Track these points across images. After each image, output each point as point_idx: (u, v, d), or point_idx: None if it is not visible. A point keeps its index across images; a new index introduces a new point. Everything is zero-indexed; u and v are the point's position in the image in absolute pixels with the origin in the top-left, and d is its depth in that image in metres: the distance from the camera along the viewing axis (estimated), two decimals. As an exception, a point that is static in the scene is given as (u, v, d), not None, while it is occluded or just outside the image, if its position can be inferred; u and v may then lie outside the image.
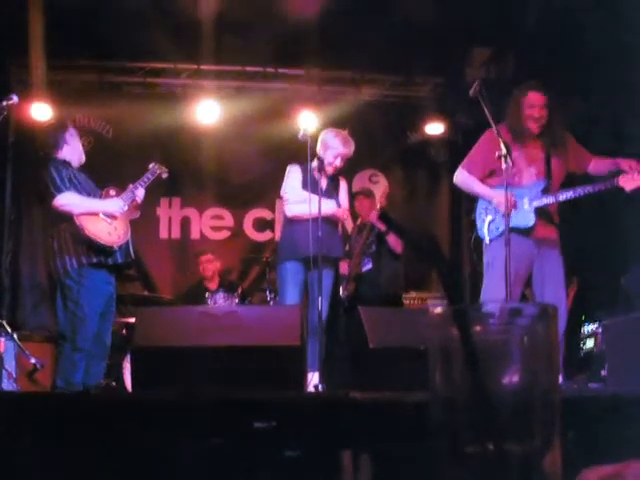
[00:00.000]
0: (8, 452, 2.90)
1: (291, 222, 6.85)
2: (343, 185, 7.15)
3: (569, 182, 6.09)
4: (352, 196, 9.14)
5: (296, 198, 6.80)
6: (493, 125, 5.69)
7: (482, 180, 6.11)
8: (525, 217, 5.80)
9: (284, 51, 9.42)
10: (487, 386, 0.95)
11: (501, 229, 5.84)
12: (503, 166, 5.57)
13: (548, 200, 5.81)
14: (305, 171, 6.84)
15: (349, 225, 9.47)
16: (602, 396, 4.30)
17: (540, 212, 5.85)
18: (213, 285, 9.56)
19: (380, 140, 10.59)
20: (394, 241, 8.32)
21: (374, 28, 8.65)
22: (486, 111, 5.77)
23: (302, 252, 6.52)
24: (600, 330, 7.16)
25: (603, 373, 6.38)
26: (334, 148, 6.86)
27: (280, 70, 10.23)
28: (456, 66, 9.67)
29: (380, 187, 10.18)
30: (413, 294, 9.08)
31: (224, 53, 9.47)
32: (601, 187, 5.67)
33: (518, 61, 9.34)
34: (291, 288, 6.72)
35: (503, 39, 9.11)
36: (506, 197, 5.61)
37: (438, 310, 1.02)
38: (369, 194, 9.02)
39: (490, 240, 5.89)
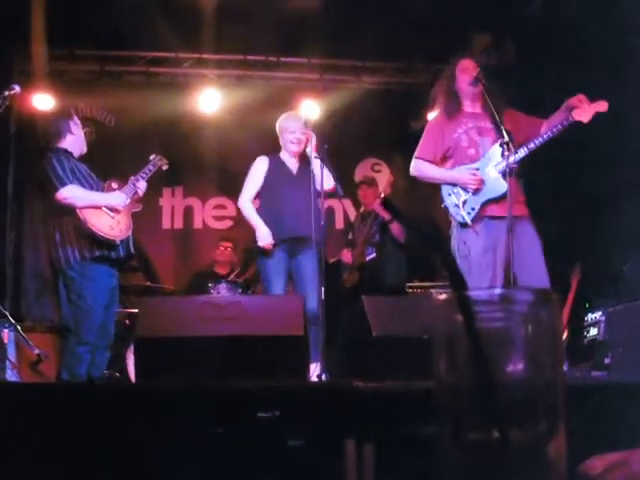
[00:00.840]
0: (12, 442, 2.91)
1: (259, 211, 6.99)
2: (316, 163, 6.89)
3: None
4: (355, 185, 9.17)
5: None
6: (494, 111, 5.66)
7: (438, 165, 6.06)
8: (496, 185, 5.69)
9: (285, 40, 9.42)
10: (491, 374, 0.94)
11: (477, 207, 5.77)
12: (505, 153, 5.52)
13: (511, 159, 5.64)
14: (273, 161, 7.03)
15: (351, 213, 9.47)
16: (606, 384, 4.30)
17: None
18: (223, 271, 9.58)
19: (382, 128, 10.56)
20: (398, 230, 8.31)
21: (375, 15, 8.64)
22: (487, 98, 5.75)
23: (276, 238, 6.70)
24: (603, 318, 7.16)
25: (607, 361, 6.38)
26: (289, 126, 6.98)
27: (282, 59, 10.22)
28: (457, 53, 9.65)
29: (383, 176, 10.21)
30: (416, 283, 9.06)
31: (225, 42, 9.47)
32: (559, 127, 5.56)
33: (518, 48, 9.32)
34: (274, 279, 6.76)
35: (503, 25, 9.09)
36: (509, 183, 5.58)
37: (442, 296, 1.01)
38: (372, 183, 9.04)
39: (472, 221, 5.77)
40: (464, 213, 5.80)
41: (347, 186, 7.50)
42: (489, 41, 9.46)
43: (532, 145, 5.64)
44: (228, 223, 10.59)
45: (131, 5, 8.17)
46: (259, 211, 6.97)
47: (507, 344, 0.97)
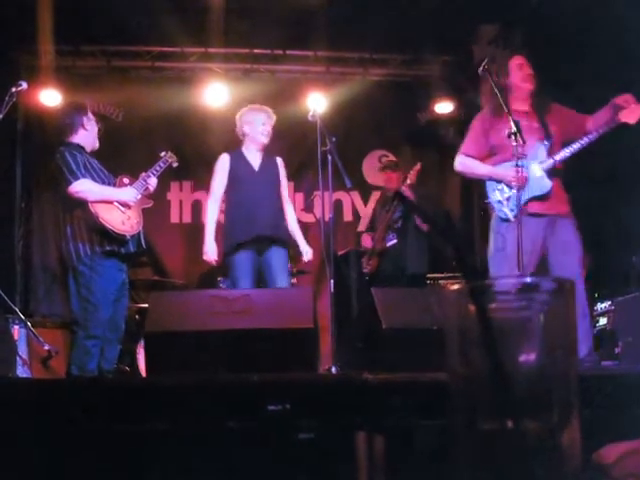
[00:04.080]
0: (24, 437, 2.92)
1: (227, 210, 7.05)
2: (280, 163, 7.14)
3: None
4: (379, 171, 9.16)
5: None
6: (502, 102, 5.65)
7: (483, 162, 6.04)
8: (540, 184, 5.71)
9: (292, 33, 9.39)
10: (504, 364, 0.94)
11: (520, 204, 5.78)
12: (513, 144, 5.52)
13: (556, 158, 5.69)
14: (235, 157, 7.06)
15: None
16: (616, 373, 4.29)
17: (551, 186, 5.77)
18: None
19: (389, 120, 10.56)
20: None
21: (381, 7, 8.62)
22: (495, 89, 5.73)
23: (243, 237, 6.70)
24: (613, 308, 7.14)
25: (616, 350, 6.38)
26: (258, 118, 6.99)
27: (288, 52, 10.19)
28: (464, 44, 9.63)
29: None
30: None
31: (231, 36, 9.45)
32: (605, 129, 5.55)
33: (526, 38, 9.29)
34: (242, 278, 6.73)
35: (510, 16, 9.06)
36: (518, 173, 5.59)
37: (454, 287, 1.01)
38: (396, 167, 9.00)
39: (514, 217, 5.76)
40: (507, 210, 5.80)
41: (355, 178, 7.46)
42: (495, 32, 9.42)
43: (577, 145, 5.66)
44: (236, 216, 10.59)
45: (136, 0, 8.16)
46: (227, 210, 7.04)
47: (520, 334, 0.97)
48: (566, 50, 7.79)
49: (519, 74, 5.94)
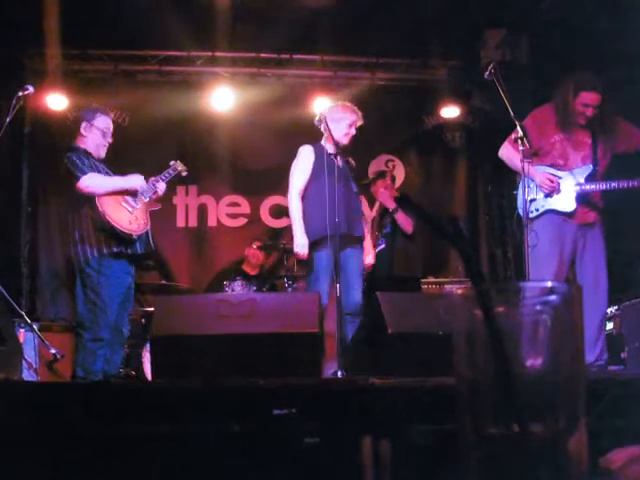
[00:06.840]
0: (30, 440, 2.92)
1: (307, 203, 6.64)
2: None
3: (615, 165, 6.06)
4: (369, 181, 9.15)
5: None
6: (509, 108, 5.66)
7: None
8: (567, 202, 5.79)
9: (298, 37, 9.39)
10: (511, 368, 0.94)
11: (541, 210, 5.84)
12: (520, 148, 5.54)
13: (592, 187, 5.78)
14: (319, 151, 6.72)
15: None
16: (623, 378, 4.28)
17: (582, 197, 5.83)
18: (253, 271, 9.63)
19: (395, 125, 10.57)
20: (404, 220, 8.22)
21: (388, 12, 8.62)
22: (502, 94, 5.74)
23: (320, 233, 6.42)
24: (619, 313, 7.13)
25: (623, 355, 6.37)
26: (345, 118, 6.79)
27: (294, 56, 10.19)
28: (471, 49, 9.62)
29: (397, 172, 10.22)
30: (431, 279, 9.03)
31: (238, 40, 9.47)
32: None
33: (532, 43, 9.28)
34: (323, 275, 6.45)
35: (516, 21, 9.06)
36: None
37: (461, 291, 1.01)
38: (381, 175, 9.00)
39: (530, 219, 5.82)
40: (527, 209, 5.83)
41: (361, 182, 7.45)
42: (502, 37, 9.42)
43: (614, 185, 5.76)
44: (242, 221, 10.58)
45: (143, 4, 8.17)
46: (307, 203, 6.63)
47: (527, 338, 0.97)
48: (575, 56, 7.79)
49: (584, 110, 5.89)
